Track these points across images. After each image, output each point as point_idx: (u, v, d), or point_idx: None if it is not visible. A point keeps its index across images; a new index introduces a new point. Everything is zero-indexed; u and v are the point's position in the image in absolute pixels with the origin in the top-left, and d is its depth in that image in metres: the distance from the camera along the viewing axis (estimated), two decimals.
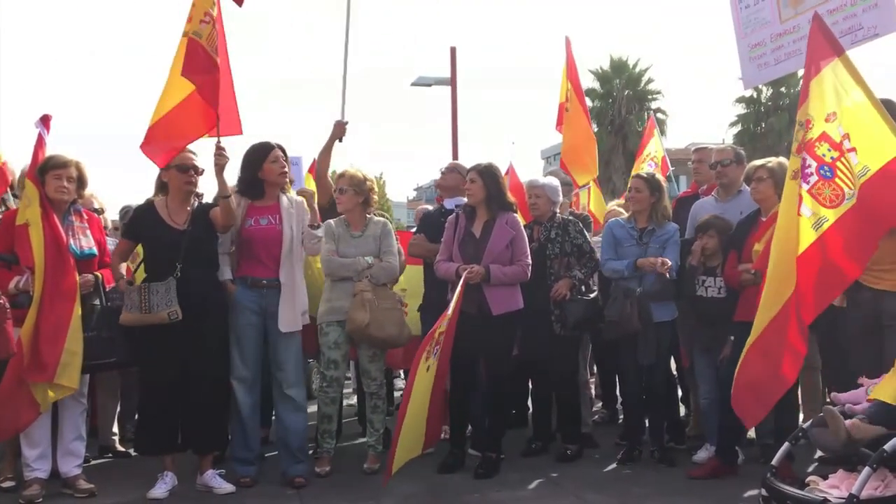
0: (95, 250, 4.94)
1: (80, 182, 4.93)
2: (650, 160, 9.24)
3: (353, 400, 7.01)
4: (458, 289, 5.01)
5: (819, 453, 4.22)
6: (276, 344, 5.13)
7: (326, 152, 6.05)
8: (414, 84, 15.32)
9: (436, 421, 5.15)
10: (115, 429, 5.94)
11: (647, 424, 5.73)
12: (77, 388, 4.76)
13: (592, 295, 5.70)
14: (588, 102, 37.80)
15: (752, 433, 5.81)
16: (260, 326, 5.11)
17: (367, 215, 5.56)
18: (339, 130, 6.06)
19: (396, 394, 7.85)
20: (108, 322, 4.83)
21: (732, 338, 5.18)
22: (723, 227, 5.43)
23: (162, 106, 5.10)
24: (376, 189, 5.71)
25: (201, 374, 4.85)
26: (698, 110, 76.92)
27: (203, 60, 4.96)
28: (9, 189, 5.40)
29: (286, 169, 5.18)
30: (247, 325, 5.06)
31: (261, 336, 5.14)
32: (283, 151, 5.22)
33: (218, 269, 5.09)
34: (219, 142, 4.94)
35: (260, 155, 5.14)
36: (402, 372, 7.90)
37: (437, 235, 5.68)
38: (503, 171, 5.82)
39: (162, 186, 5.05)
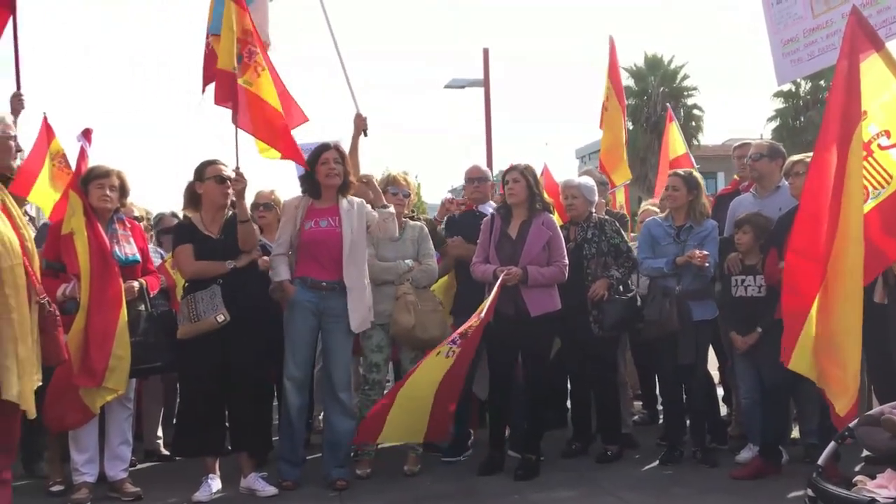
0: (139, 257, 5.04)
1: (122, 191, 5.04)
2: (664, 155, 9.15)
3: None
4: (495, 290, 5.01)
5: (866, 453, 4.14)
6: (330, 346, 5.18)
7: (354, 150, 5.83)
8: (447, 86, 15.32)
9: (446, 416, 5.11)
10: (160, 433, 6.04)
11: (687, 424, 5.68)
12: (124, 392, 4.87)
13: (630, 295, 5.66)
14: None
15: (796, 432, 5.74)
16: (315, 328, 5.15)
17: (404, 218, 5.60)
18: (360, 124, 5.87)
19: None
20: (153, 327, 4.92)
21: (760, 329, 5.13)
22: (761, 223, 5.36)
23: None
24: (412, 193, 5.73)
25: (244, 377, 4.92)
26: (735, 106, 75.90)
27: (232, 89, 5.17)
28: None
29: (336, 171, 5.15)
30: (303, 325, 5.10)
31: (314, 338, 5.19)
32: (340, 152, 5.24)
33: (258, 274, 5.14)
34: (237, 167, 5.02)
35: (314, 156, 5.21)
36: None
37: (473, 238, 5.71)
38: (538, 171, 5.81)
39: (192, 198, 5.14)
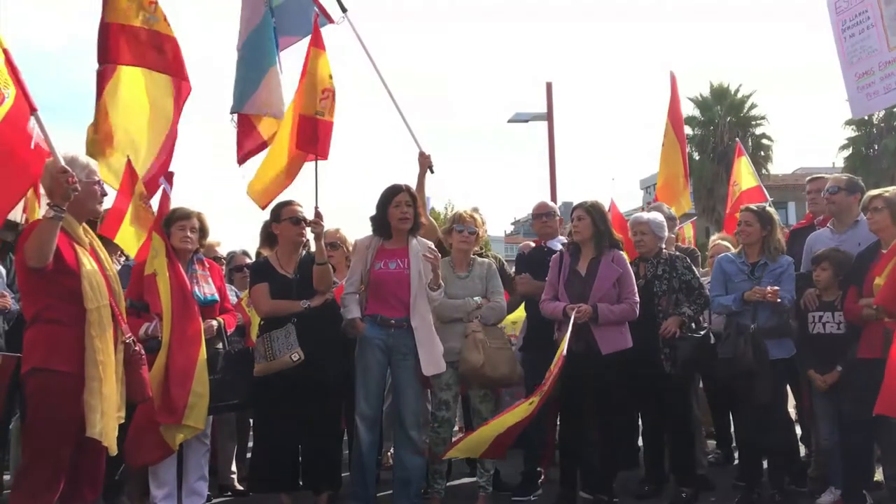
0: (217, 297, 5.20)
1: (202, 232, 5.22)
2: (733, 186, 9.17)
3: None
4: (570, 329, 4.98)
5: None
6: (399, 383, 5.22)
7: (420, 188, 5.93)
8: (511, 121, 15.36)
9: (507, 440, 5.03)
10: (234, 467, 6.14)
11: (765, 465, 5.52)
12: (203, 429, 4.98)
13: (703, 332, 5.57)
14: (688, 131, 37.36)
15: (879, 475, 5.53)
16: (385, 364, 5.21)
17: (472, 255, 5.64)
18: (425, 162, 6.00)
19: None
20: (230, 365, 5.06)
21: (839, 368, 4.98)
22: (840, 259, 5.24)
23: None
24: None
25: (317, 414, 4.99)
26: (806, 134, 74.30)
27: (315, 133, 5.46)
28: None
29: (408, 214, 5.22)
30: (373, 362, 5.16)
31: (384, 374, 5.24)
32: (412, 194, 5.30)
33: (332, 313, 5.23)
34: (317, 207, 5.14)
35: (386, 197, 5.28)
36: None
37: (542, 274, 5.70)
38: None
39: (268, 238, 5.28)
